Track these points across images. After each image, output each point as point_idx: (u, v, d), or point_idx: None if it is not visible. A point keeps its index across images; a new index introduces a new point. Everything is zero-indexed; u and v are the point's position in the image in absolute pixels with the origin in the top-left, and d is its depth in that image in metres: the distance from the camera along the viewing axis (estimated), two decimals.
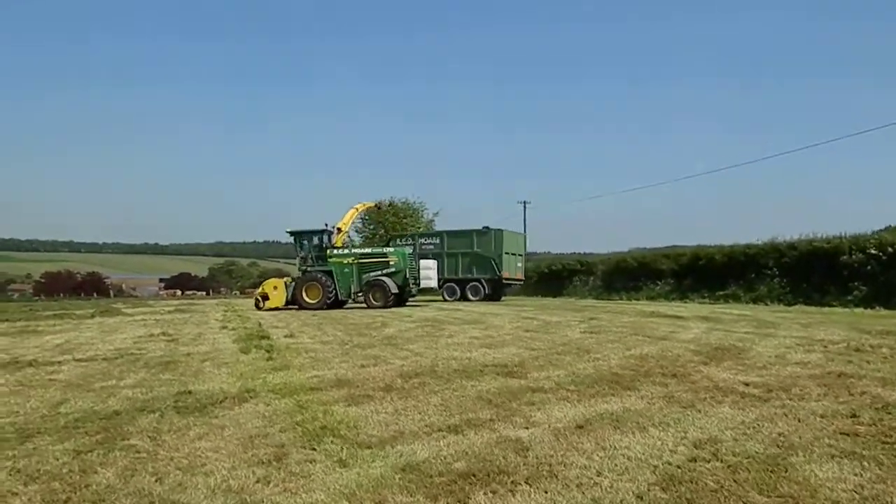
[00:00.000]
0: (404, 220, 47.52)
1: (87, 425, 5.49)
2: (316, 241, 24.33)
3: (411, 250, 26.57)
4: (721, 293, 23.89)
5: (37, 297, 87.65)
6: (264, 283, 24.16)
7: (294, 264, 25.32)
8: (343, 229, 25.16)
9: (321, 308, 22.87)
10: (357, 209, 25.82)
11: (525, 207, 58.41)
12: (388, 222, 47.26)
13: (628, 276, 28.15)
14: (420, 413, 5.59)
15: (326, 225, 24.64)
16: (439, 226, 49.03)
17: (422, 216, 49.00)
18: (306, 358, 9.14)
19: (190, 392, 6.71)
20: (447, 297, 28.44)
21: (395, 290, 23.63)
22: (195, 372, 8.20)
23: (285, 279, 24.30)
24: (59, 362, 9.54)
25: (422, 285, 26.35)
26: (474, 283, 30.02)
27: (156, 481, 4.02)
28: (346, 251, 24.79)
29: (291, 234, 24.77)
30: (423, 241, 26.61)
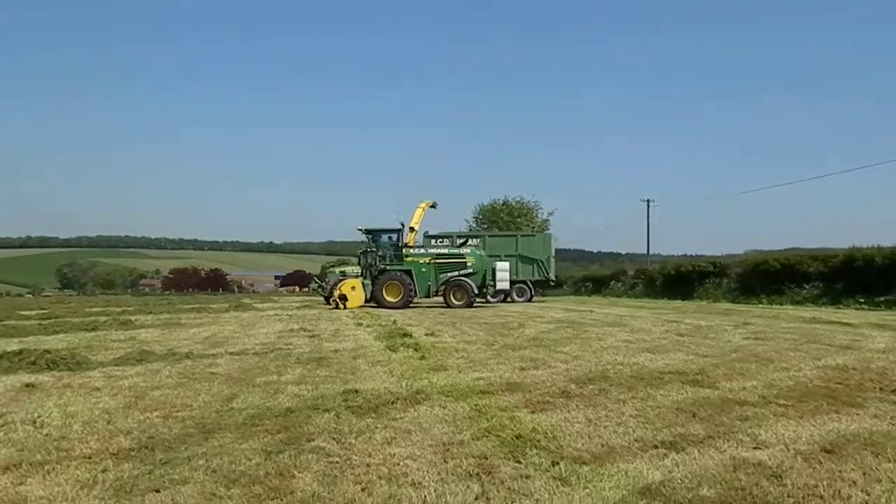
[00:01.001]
0: (518, 220, 47.01)
1: (265, 423, 5.28)
2: (392, 239, 24.17)
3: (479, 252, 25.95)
4: (882, 298, 21.72)
5: (168, 291, 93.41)
6: (341, 284, 23.68)
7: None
8: (415, 228, 24.95)
9: (402, 307, 22.66)
10: (423, 207, 25.43)
11: (649, 206, 55.67)
12: (501, 221, 46.94)
13: (769, 278, 26.24)
14: (619, 424, 5.01)
15: (402, 225, 24.48)
16: (554, 226, 48.33)
17: (536, 216, 48.30)
18: (459, 358, 8.75)
19: (356, 391, 6.42)
20: (491, 300, 27.67)
21: (476, 291, 23.82)
22: (351, 370, 7.97)
23: (360, 279, 24.03)
24: (213, 355, 9.62)
25: (497, 286, 25.87)
26: (520, 284, 30.76)
27: (362, 490, 3.67)
28: (423, 251, 24.68)
29: (366, 231, 24.59)
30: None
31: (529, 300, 28.47)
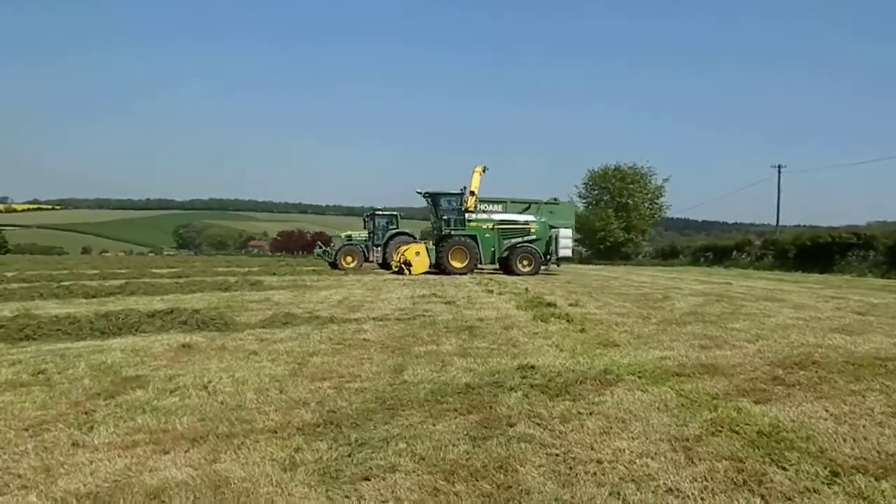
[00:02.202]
0: (630, 186, 45.16)
1: (448, 400, 4.78)
2: (453, 203, 23.19)
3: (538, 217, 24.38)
4: None
5: (278, 253, 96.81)
6: (405, 249, 22.76)
7: None
8: (475, 192, 23.76)
9: (467, 272, 21.82)
10: (479, 171, 24.16)
11: (780, 172, 50.96)
12: (614, 188, 45.21)
13: None
14: (877, 424, 4.17)
15: (464, 188, 23.40)
16: (670, 194, 46.14)
17: (649, 181, 46.20)
18: (622, 333, 8.02)
19: (532, 367, 5.84)
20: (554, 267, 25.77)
21: (542, 258, 23.04)
22: (509, 341, 7.42)
23: (424, 243, 23.28)
24: (357, 320, 9.35)
25: (560, 254, 24.67)
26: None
27: (610, 495, 3.07)
28: (486, 216, 23.67)
29: (428, 195, 23.72)
30: (483, 207, 24.05)
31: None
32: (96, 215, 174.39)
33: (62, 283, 15.45)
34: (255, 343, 7.53)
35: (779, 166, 49.23)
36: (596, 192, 47.23)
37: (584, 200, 48.24)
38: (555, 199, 27.76)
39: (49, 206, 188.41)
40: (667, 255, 42.60)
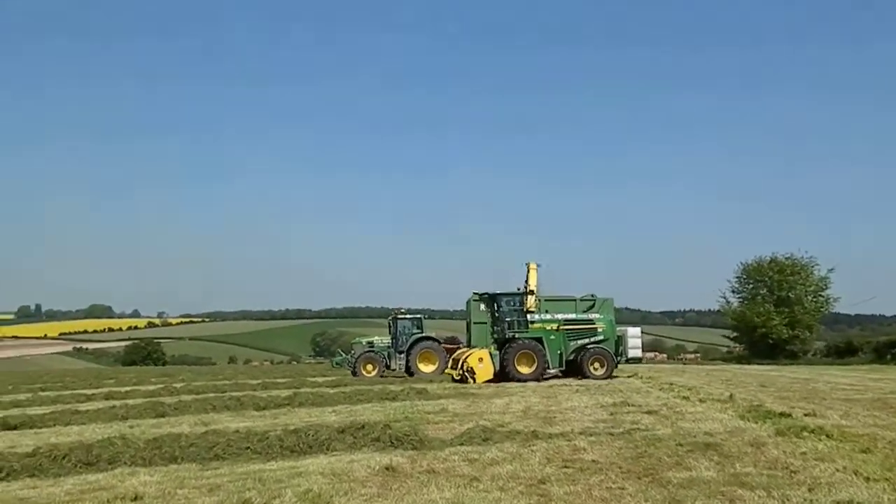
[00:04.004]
0: (790, 278, 41.68)
1: None
2: (513, 304, 20.86)
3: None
4: None
5: None
6: (467, 355, 20.46)
7: None
8: (535, 291, 21.45)
9: (535, 379, 19.31)
10: (534, 268, 21.90)
11: None
12: (772, 281, 41.90)
13: None
14: None
15: (520, 288, 21.23)
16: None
17: (811, 273, 42.47)
18: None
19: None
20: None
21: (615, 360, 21.13)
22: (783, 466, 6.02)
23: (487, 349, 20.71)
24: (562, 435, 8.21)
25: (630, 354, 22.13)
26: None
27: None
28: (549, 317, 21.36)
29: (489, 296, 21.84)
30: (506, 301, 20.92)
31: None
32: (240, 326, 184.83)
33: (232, 395, 15.37)
34: (465, 465, 6.55)
35: None
36: (751, 286, 43.91)
37: (738, 296, 44.97)
38: (591, 296, 25.43)
39: (199, 319, 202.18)
40: (842, 353, 38.27)
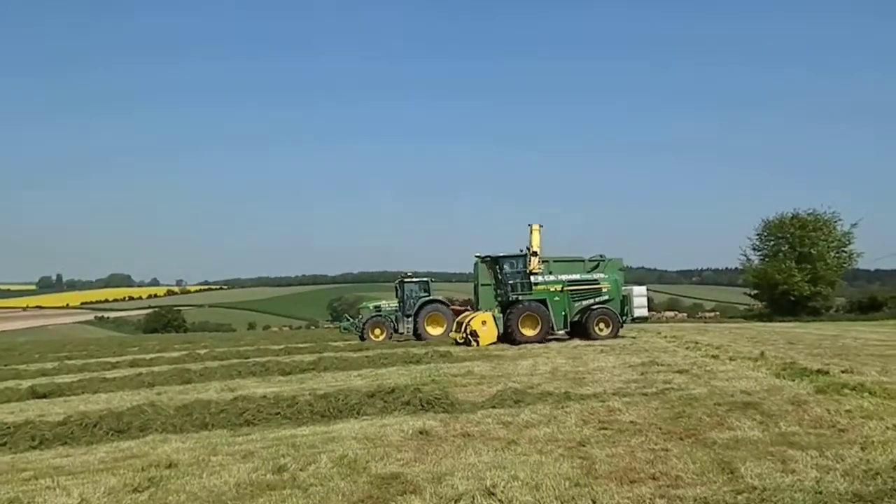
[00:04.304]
0: (812, 234, 40.95)
1: None
2: (516, 266, 20.35)
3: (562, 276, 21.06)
4: None
5: None
6: (470, 318, 20.16)
7: None
8: (538, 253, 20.93)
9: (540, 341, 18.99)
10: (537, 229, 21.33)
11: None
12: (794, 237, 41.22)
13: None
14: None
15: (523, 250, 20.71)
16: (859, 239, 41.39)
17: (833, 228, 41.68)
18: None
19: None
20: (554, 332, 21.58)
21: (620, 320, 20.80)
22: (830, 424, 5.88)
23: (490, 312, 20.25)
24: (595, 396, 8.08)
25: (636, 314, 21.86)
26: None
27: None
28: (553, 278, 20.88)
29: (491, 258, 21.30)
30: (509, 263, 20.22)
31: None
32: (258, 293, 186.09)
33: (256, 361, 15.38)
34: (500, 428, 6.44)
35: None
36: (772, 242, 43.19)
37: (759, 253, 44.30)
38: (601, 256, 24.91)
39: (217, 287, 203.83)
40: (866, 309, 37.73)
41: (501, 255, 20.95)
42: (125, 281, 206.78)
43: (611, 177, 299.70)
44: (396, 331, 25.63)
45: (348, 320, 33.84)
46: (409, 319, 25.36)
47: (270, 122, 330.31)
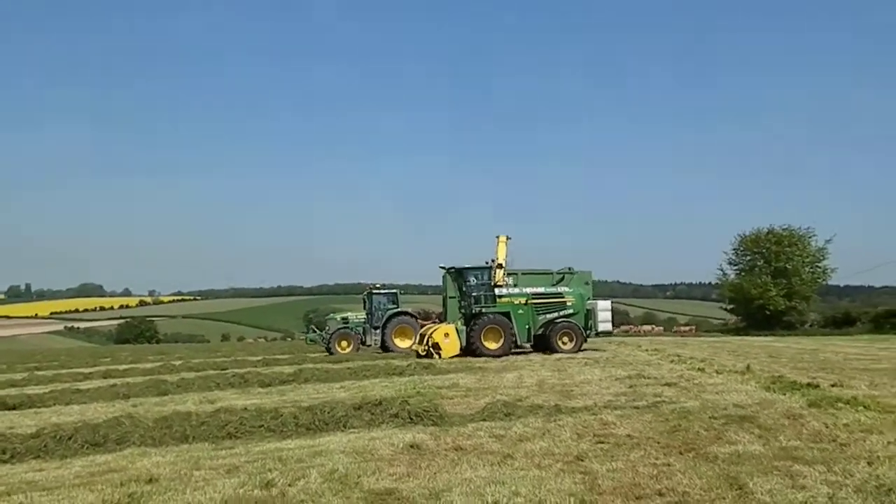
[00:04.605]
0: (787, 249, 41.57)
1: None
2: (481, 278, 20.25)
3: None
4: None
5: None
6: (433, 331, 19.86)
7: None
8: (504, 265, 21.02)
9: (503, 355, 18.87)
10: (504, 241, 21.49)
11: None
12: (769, 252, 41.78)
13: None
14: None
15: (492, 262, 20.78)
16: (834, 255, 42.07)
17: (808, 244, 42.39)
18: None
19: None
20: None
21: (584, 334, 20.61)
22: (831, 438, 5.79)
23: (454, 325, 20.18)
24: (587, 409, 7.94)
25: (600, 328, 21.64)
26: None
27: None
28: (518, 291, 20.90)
29: (455, 270, 21.19)
30: (473, 275, 20.27)
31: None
32: (232, 304, 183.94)
33: (235, 372, 15.02)
34: (493, 442, 6.27)
35: None
36: (748, 257, 43.80)
37: (735, 267, 44.90)
38: (569, 269, 24.94)
39: (191, 297, 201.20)
40: (840, 324, 38.29)
41: (466, 266, 20.77)
42: (96, 291, 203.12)
43: (588, 191, 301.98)
44: (364, 343, 25.25)
45: (315, 331, 33.32)
46: (377, 332, 25.09)
47: (237, 134, 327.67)
